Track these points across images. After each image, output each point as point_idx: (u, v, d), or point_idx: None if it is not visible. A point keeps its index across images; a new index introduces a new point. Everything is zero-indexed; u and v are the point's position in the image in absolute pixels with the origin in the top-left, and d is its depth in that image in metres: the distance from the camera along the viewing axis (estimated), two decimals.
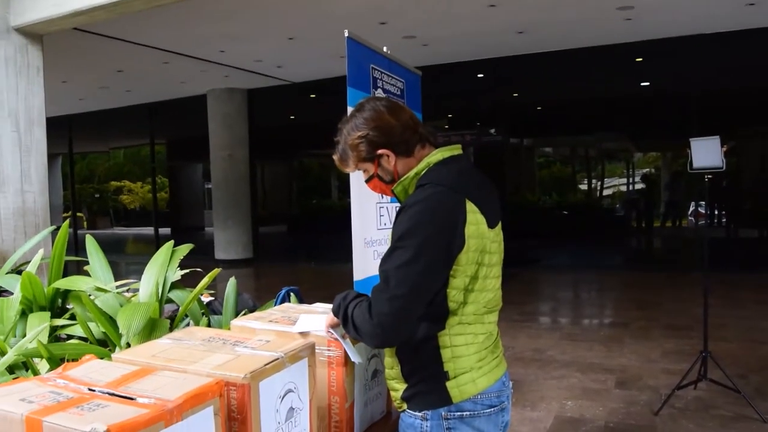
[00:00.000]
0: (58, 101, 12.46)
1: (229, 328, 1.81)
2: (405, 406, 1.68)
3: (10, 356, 1.78)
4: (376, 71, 3.37)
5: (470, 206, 1.58)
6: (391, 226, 1.62)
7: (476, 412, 1.64)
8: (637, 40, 9.07)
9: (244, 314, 2.14)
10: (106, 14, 4.58)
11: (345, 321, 1.62)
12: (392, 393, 1.74)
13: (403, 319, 1.54)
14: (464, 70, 10.72)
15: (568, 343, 6.06)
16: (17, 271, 3.04)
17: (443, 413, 1.62)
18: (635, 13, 7.74)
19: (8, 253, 4.16)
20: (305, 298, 2.48)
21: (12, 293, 2.45)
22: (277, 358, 1.38)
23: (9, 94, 4.61)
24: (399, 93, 3.61)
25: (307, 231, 13.99)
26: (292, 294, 2.46)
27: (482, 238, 1.60)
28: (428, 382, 1.63)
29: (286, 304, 2.15)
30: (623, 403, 4.44)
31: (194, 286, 2.23)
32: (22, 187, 4.67)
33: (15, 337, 2.13)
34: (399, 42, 8.53)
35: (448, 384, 1.61)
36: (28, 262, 2.94)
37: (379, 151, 1.71)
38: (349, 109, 3.01)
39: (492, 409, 1.66)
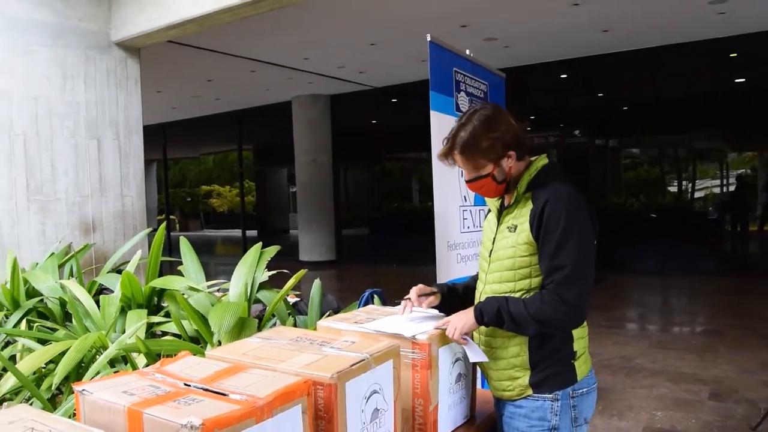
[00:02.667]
0: (153, 110, 13.06)
1: (314, 329, 1.85)
2: (529, 391, 1.76)
3: (112, 350, 1.89)
4: (459, 74, 3.36)
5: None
6: (528, 220, 1.72)
7: (589, 388, 1.80)
8: (730, 34, 8.60)
9: (329, 315, 2.19)
10: (197, 27, 4.79)
11: (514, 322, 1.70)
12: (505, 383, 1.80)
13: (589, 300, 1.70)
14: (547, 70, 10.51)
15: (658, 351, 5.83)
16: (117, 270, 3.22)
17: (570, 392, 1.75)
18: (728, 7, 7.36)
19: (109, 253, 4.40)
20: (388, 300, 2.50)
21: (113, 291, 2.61)
22: (363, 359, 1.40)
23: (110, 105, 4.90)
24: (482, 96, 3.57)
25: (388, 233, 14.09)
26: (375, 296, 2.49)
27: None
28: (559, 364, 1.75)
29: (370, 306, 2.18)
30: (718, 416, 4.23)
31: (280, 287, 2.30)
32: (122, 192, 4.94)
33: (115, 332, 2.25)
34: (481, 44, 8.46)
35: (576, 363, 1.75)
36: (126, 262, 3.11)
37: (508, 152, 1.77)
38: (433, 113, 3.03)
39: (595, 385, 1.84)
